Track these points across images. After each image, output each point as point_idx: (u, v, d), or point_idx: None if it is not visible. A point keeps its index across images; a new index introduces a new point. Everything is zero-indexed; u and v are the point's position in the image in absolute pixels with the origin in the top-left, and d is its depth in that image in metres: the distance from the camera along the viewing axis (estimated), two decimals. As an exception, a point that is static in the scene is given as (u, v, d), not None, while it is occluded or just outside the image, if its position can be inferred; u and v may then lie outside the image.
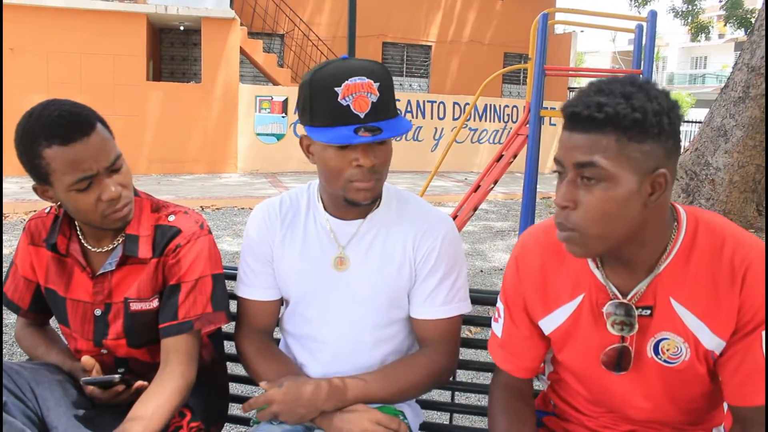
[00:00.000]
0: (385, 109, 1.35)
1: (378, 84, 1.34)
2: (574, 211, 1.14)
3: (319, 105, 1.34)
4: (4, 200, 8.40)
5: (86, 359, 1.53)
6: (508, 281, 1.40)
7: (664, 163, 1.11)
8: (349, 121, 1.32)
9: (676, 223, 1.22)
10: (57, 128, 1.37)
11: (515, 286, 1.38)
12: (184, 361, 1.50)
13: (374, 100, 1.33)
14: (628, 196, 1.10)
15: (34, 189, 1.48)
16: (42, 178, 1.43)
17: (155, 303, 1.56)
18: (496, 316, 1.44)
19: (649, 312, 1.23)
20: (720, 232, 1.20)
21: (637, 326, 1.23)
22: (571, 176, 1.14)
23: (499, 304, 1.43)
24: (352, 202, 1.43)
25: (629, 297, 1.24)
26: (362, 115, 1.32)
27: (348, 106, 1.31)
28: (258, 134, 12.84)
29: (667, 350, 1.24)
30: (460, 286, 1.55)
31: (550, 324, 1.34)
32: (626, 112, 1.07)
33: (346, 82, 1.32)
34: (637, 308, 1.23)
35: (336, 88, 1.31)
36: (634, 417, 1.34)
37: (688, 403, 1.30)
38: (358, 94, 1.32)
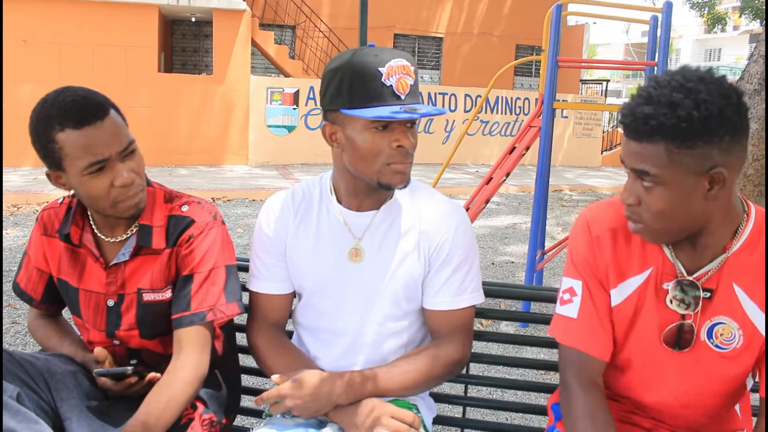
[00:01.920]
0: (417, 91, 1.41)
1: (413, 68, 1.39)
2: (638, 207, 1.21)
3: (360, 85, 1.36)
4: (17, 191, 8.45)
5: (99, 350, 1.53)
6: (582, 251, 1.37)
7: (720, 160, 1.13)
8: (392, 101, 1.36)
9: (745, 214, 1.26)
10: (70, 112, 1.38)
11: (592, 254, 1.35)
12: (196, 353, 1.49)
13: (411, 83, 1.38)
14: (685, 196, 1.15)
15: (48, 176, 1.48)
16: (55, 164, 1.43)
17: (168, 294, 1.56)
18: (567, 297, 1.38)
19: (709, 295, 1.27)
20: None
21: (700, 305, 1.26)
22: (632, 177, 1.21)
23: (572, 282, 1.38)
24: (387, 186, 1.44)
25: (696, 276, 1.28)
26: (403, 96, 1.37)
27: (391, 86, 1.36)
28: (269, 126, 12.84)
29: (721, 335, 1.27)
30: (473, 277, 1.54)
31: (619, 294, 1.34)
32: (672, 122, 1.10)
33: (390, 63, 1.36)
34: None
35: (380, 69, 1.35)
36: (662, 407, 1.35)
37: (721, 396, 1.32)
38: (399, 75, 1.37)
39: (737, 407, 1.40)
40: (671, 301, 1.28)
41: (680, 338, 1.29)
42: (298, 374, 1.43)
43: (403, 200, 1.54)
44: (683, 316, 1.28)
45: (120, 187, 1.44)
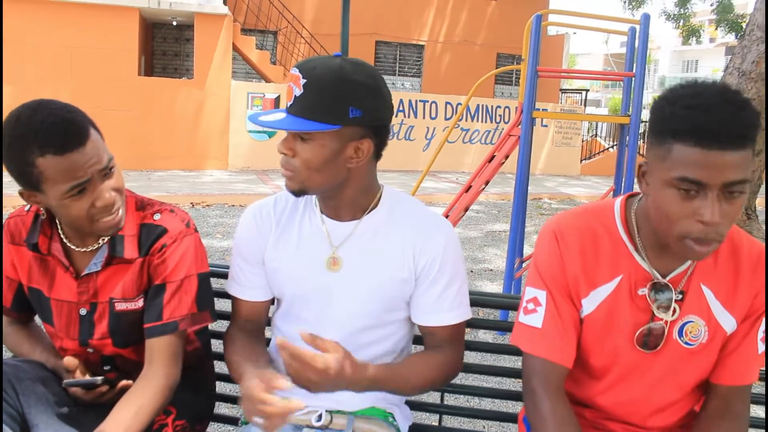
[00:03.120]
0: (311, 107, 1.34)
1: (305, 81, 1.34)
2: (723, 225, 1.16)
3: None
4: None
5: (68, 360, 1.50)
6: (548, 262, 1.37)
7: None
8: (281, 107, 1.41)
9: None
10: (51, 137, 1.30)
11: (558, 265, 1.35)
12: (168, 362, 1.48)
13: (297, 94, 1.36)
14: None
15: (21, 194, 1.41)
16: (32, 185, 1.37)
17: (140, 303, 1.53)
18: (531, 307, 1.38)
19: (681, 296, 1.32)
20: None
21: (678, 308, 1.32)
22: (717, 194, 1.14)
23: (536, 292, 1.38)
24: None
25: (670, 278, 1.32)
26: (288, 104, 1.38)
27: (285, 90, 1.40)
28: (249, 131, 12.80)
29: (690, 332, 1.33)
30: (464, 291, 1.54)
31: (591, 302, 1.35)
32: (758, 126, 1.13)
33: (291, 70, 1.38)
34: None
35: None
36: (634, 409, 1.39)
37: (688, 392, 1.38)
38: (289, 83, 1.38)
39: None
40: (658, 309, 1.31)
41: (649, 339, 1.33)
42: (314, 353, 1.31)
43: (388, 212, 1.52)
44: (652, 318, 1.32)
45: (102, 207, 1.40)
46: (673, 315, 1.31)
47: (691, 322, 1.32)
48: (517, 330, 1.40)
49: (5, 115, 1.36)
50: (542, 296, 1.37)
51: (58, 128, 1.31)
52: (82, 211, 1.39)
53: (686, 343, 1.33)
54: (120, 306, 1.52)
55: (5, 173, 1.38)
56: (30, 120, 1.31)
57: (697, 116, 1.11)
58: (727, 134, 1.09)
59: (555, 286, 1.36)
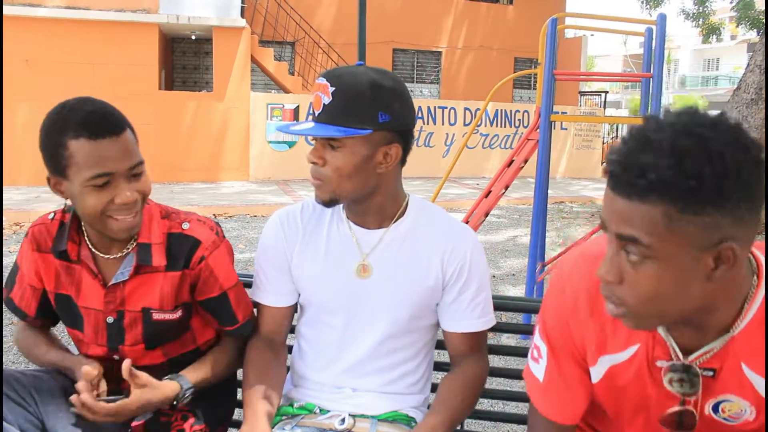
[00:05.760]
0: (341, 114, 1.37)
1: (333, 89, 1.38)
2: (620, 287, 0.96)
3: None
4: (19, 209, 8.46)
5: (87, 370, 1.46)
6: (553, 318, 1.19)
7: (732, 233, 0.88)
8: (309, 115, 1.43)
9: (755, 277, 1.01)
10: (89, 122, 1.38)
11: (563, 326, 1.17)
12: (237, 345, 1.65)
13: (326, 102, 1.38)
14: (683, 276, 0.91)
15: (48, 180, 1.46)
16: (59, 170, 1.40)
17: (178, 314, 1.56)
18: (535, 354, 1.24)
19: (712, 373, 1.06)
20: None
21: (700, 387, 1.06)
22: (615, 246, 0.95)
23: (539, 342, 1.23)
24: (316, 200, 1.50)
25: (693, 357, 1.06)
26: (316, 113, 1.40)
27: (312, 100, 1.42)
28: (269, 142, 12.89)
29: (728, 410, 1.08)
30: (490, 297, 1.58)
31: (601, 369, 1.16)
32: (676, 179, 0.84)
33: (317, 80, 1.41)
34: (700, 369, 1.06)
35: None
36: None
37: None
38: (316, 93, 1.40)
39: None
40: (670, 383, 1.07)
41: (682, 423, 1.10)
42: None
43: (415, 220, 1.54)
44: (683, 401, 1.08)
45: (120, 204, 1.41)
46: (691, 388, 1.07)
47: (728, 401, 1.07)
48: (525, 372, 1.28)
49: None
50: (543, 350, 1.22)
51: (96, 116, 1.39)
52: (98, 204, 1.41)
53: (725, 419, 1.08)
54: (157, 316, 1.55)
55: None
56: (73, 107, 1.41)
57: (612, 151, 0.93)
58: (620, 179, 0.90)
59: (558, 345, 1.19)
